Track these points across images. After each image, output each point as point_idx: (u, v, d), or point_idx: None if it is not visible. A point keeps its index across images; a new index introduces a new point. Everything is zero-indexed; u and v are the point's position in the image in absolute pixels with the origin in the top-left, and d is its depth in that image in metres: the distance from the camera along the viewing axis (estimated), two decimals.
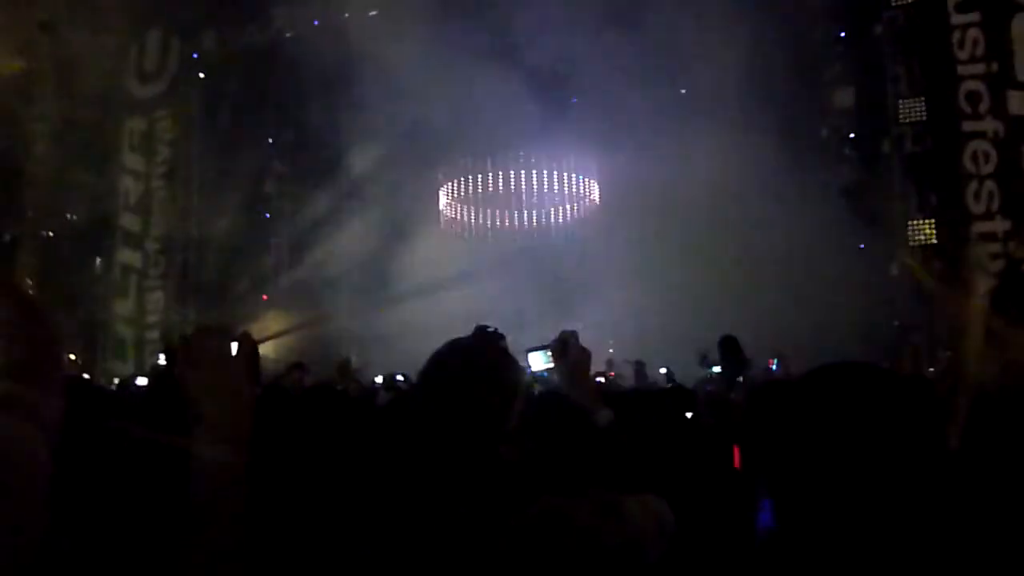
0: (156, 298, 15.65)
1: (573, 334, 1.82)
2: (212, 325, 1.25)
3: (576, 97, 14.52)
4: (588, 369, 1.82)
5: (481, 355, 1.50)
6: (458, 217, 15.18)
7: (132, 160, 15.91)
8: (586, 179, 14.73)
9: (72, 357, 14.00)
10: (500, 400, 1.42)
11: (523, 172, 14.39)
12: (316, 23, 15.20)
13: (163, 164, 15.85)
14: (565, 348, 1.79)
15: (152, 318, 15.54)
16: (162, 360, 13.25)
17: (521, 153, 14.35)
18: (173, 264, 15.88)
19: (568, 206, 15.21)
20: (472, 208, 15.04)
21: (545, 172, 14.35)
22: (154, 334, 15.39)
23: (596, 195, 14.93)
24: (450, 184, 14.80)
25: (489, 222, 15.07)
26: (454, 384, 1.42)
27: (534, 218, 15.21)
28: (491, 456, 1.37)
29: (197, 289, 15.96)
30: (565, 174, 14.46)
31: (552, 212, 15.19)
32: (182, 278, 15.94)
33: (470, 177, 14.50)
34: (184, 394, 1.10)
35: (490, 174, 14.36)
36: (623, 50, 12.88)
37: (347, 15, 14.47)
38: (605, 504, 1.34)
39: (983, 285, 2.19)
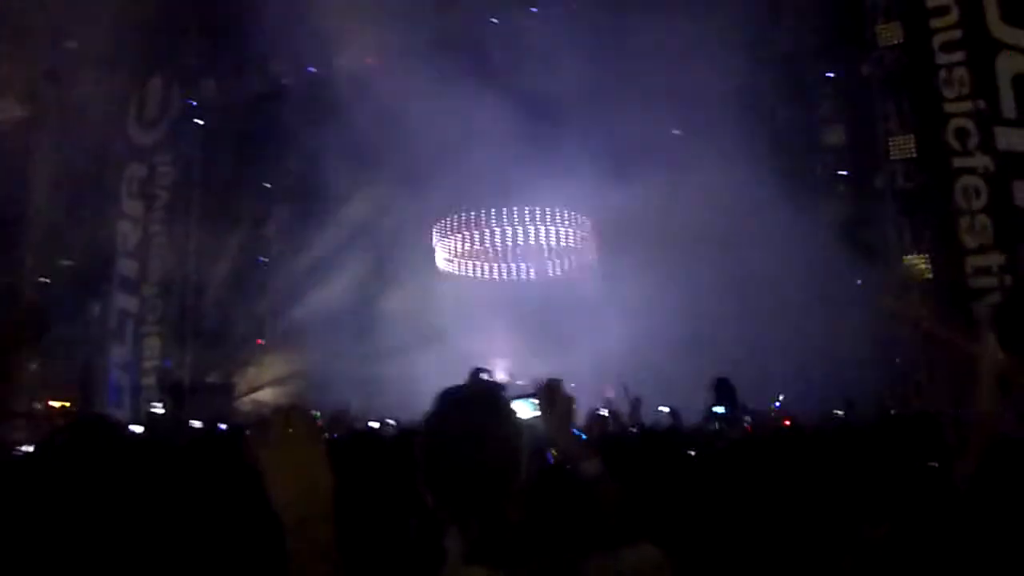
0: (153, 343, 15.60)
1: (559, 382, 1.79)
2: (290, 406, 1.22)
3: (571, 136, 14.71)
4: (574, 418, 1.79)
5: (483, 411, 1.45)
6: (456, 271, 15.27)
7: (131, 206, 16.01)
8: (579, 219, 14.74)
9: (67, 404, 13.91)
10: (504, 459, 1.39)
11: (519, 228, 14.38)
12: (312, 70, 15.46)
13: (161, 209, 15.93)
14: (552, 397, 1.75)
15: (149, 364, 15.47)
16: (158, 408, 13.19)
17: (515, 209, 14.37)
18: (171, 309, 15.86)
19: (563, 260, 15.28)
20: (469, 263, 15.12)
21: (542, 228, 14.33)
22: (150, 380, 15.31)
23: (593, 249, 14.98)
24: (446, 239, 14.86)
25: (488, 273, 15.17)
26: (457, 444, 1.38)
27: (530, 272, 15.27)
28: (499, 518, 1.33)
29: (195, 334, 15.92)
30: (560, 228, 14.47)
31: (549, 267, 15.27)
32: (179, 323, 15.90)
33: (465, 234, 14.57)
34: (261, 474, 1.09)
35: (485, 229, 14.39)
36: (620, 89, 13.09)
37: (344, 63, 14.69)
38: (603, 559, 1.32)
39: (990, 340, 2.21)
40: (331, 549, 1.09)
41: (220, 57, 16.05)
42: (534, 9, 14.89)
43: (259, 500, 1.09)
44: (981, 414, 2.18)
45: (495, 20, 14.89)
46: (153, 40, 15.11)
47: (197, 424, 8.25)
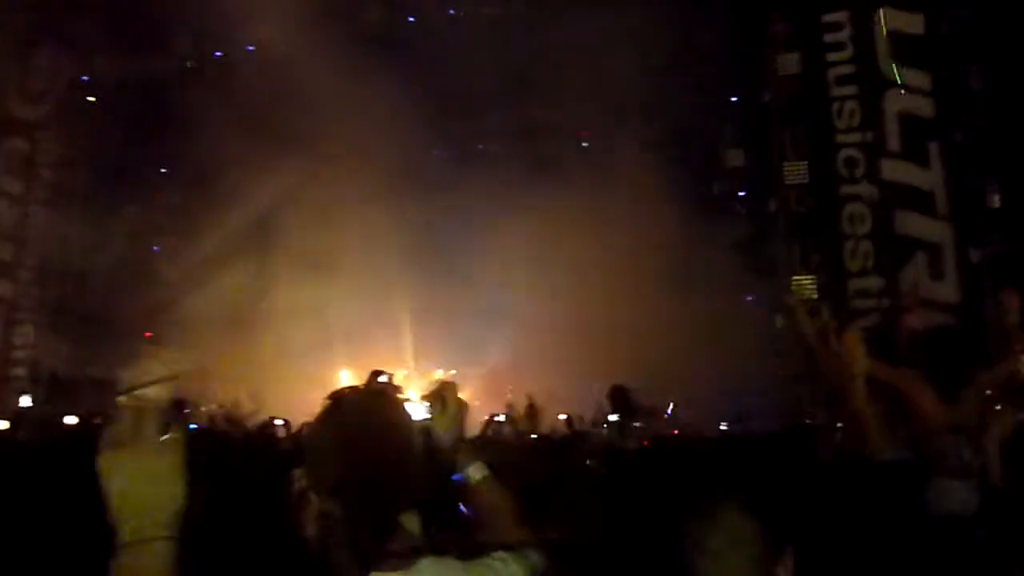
0: (26, 332, 14.55)
1: (451, 385, 1.80)
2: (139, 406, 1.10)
3: (476, 136, 14.80)
4: (464, 422, 1.79)
5: (376, 412, 1.41)
6: None
7: (7, 183, 14.89)
8: None
9: None
10: (397, 461, 1.35)
11: None
12: (218, 54, 14.90)
13: (43, 189, 14.92)
14: (443, 400, 1.75)
15: (20, 354, 14.41)
16: (26, 401, 12.32)
17: None
18: (49, 296, 14.86)
19: None
20: None
21: None
22: (21, 371, 14.28)
23: None
24: None
25: None
26: (349, 444, 1.34)
27: None
28: (391, 521, 1.30)
29: (75, 323, 14.96)
30: None
31: None
32: (58, 311, 14.92)
33: None
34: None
35: None
36: (521, 101, 13.25)
37: (251, 48, 14.24)
38: (476, 562, 1.31)
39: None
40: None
41: (120, 32, 15.18)
42: (451, 11, 14.88)
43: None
44: (854, 412, 2.35)
45: (411, 19, 14.80)
46: (42, 7, 14.15)
47: (70, 420, 7.74)
